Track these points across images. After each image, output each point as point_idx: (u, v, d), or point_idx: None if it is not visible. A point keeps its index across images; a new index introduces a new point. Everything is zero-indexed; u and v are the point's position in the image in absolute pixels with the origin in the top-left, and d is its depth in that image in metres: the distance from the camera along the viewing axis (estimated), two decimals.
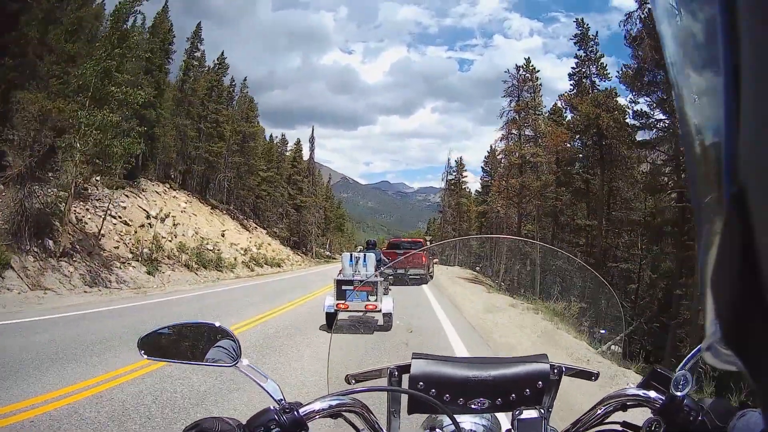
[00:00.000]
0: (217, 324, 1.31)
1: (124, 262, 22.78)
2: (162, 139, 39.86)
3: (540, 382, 1.33)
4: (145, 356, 1.33)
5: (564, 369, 1.41)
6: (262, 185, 58.65)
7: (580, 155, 39.86)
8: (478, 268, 50.81)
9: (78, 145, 19.94)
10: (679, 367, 1.22)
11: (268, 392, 1.18)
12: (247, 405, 5.36)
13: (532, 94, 43.86)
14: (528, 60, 45.06)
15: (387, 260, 10.58)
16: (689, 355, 1.25)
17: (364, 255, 9.93)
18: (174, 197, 38.36)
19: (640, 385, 1.31)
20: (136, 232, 25.92)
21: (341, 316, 8.55)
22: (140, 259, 24.02)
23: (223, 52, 52.94)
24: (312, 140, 76.96)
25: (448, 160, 78.95)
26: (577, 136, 39.56)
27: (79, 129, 20.04)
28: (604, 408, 1.30)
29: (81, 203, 24.21)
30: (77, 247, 20.57)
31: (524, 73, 44.37)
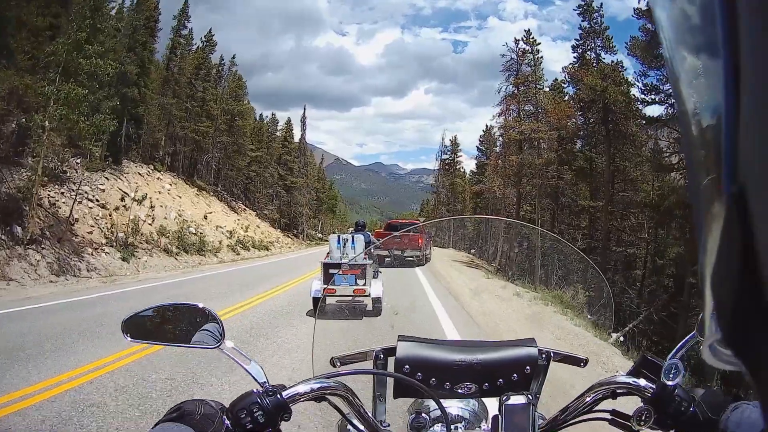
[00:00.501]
0: (201, 305, 1.29)
1: (96, 248, 21.35)
2: (146, 119, 38.52)
3: (528, 367, 1.31)
4: (129, 338, 1.30)
5: (552, 354, 1.39)
6: (252, 166, 56.96)
7: (584, 132, 38.19)
8: (473, 251, 49.61)
9: (46, 123, 18.48)
10: (670, 355, 1.22)
11: (251, 374, 1.17)
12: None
13: (533, 68, 41.75)
14: (528, 32, 42.90)
15: (379, 242, 10.04)
16: (680, 343, 1.26)
17: (353, 237, 9.47)
18: (158, 179, 36.88)
19: (630, 373, 1.29)
20: (110, 215, 24.35)
21: (328, 300, 7.99)
22: (115, 244, 22.54)
23: (210, 30, 50.90)
24: (303, 120, 74.92)
25: (443, 139, 77.57)
26: (580, 112, 37.86)
27: (47, 106, 18.58)
28: (593, 395, 1.27)
29: (56, 187, 22.75)
30: (47, 233, 19.16)
31: (524, 45, 42.30)
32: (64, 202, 22.44)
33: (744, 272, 0.32)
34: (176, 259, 26.56)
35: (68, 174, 24.33)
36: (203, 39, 49.13)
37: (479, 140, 65.74)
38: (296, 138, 73.21)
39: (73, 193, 23.46)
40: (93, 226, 22.81)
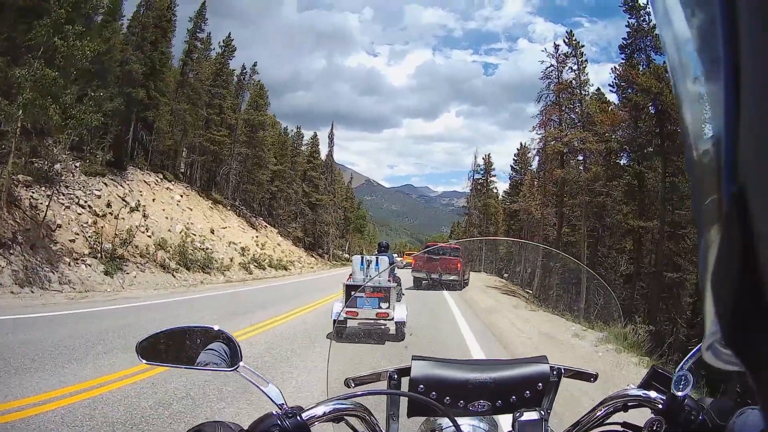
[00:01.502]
0: (216, 327, 1.31)
1: (76, 259, 18.44)
2: (157, 125, 35.93)
3: (540, 384, 1.34)
4: (144, 361, 1.31)
5: (563, 370, 1.42)
6: (275, 181, 54.26)
7: (636, 142, 33.85)
8: (506, 275, 46.18)
9: (19, 112, 15.83)
10: (679, 366, 1.23)
11: (269, 397, 1.18)
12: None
13: (577, 72, 37.86)
14: (570, 33, 39.11)
15: (401, 263, 10.27)
16: (689, 355, 1.26)
17: (377, 258, 9.29)
18: (167, 189, 34.07)
19: (641, 386, 1.31)
20: (95, 222, 21.41)
21: (350, 324, 8.15)
22: (100, 255, 19.61)
23: (230, 34, 48.42)
24: (331, 136, 72.27)
25: (475, 158, 73.22)
26: (629, 121, 33.77)
27: (21, 91, 15.93)
28: (604, 409, 1.30)
29: (44, 189, 19.99)
30: (19, 237, 16.40)
31: (568, 47, 38.42)
32: (49, 206, 19.85)
33: (744, 272, 0.32)
34: (174, 275, 23.44)
35: (64, 177, 21.76)
36: (221, 44, 46.42)
37: (513, 159, 62.51)
38: (323, 155, 70.39)
39: (62, 196, 20.95)
40: (77, 234, 19.93)
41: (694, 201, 0.39)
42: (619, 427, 1.32)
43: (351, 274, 9.73)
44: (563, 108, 37.59)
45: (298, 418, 1.12)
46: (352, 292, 8.70)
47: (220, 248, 32.08)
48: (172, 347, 1.35)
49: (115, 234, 21.40)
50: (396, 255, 12.15)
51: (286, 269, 40.11)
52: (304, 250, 57.41)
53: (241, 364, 1.23)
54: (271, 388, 1.18)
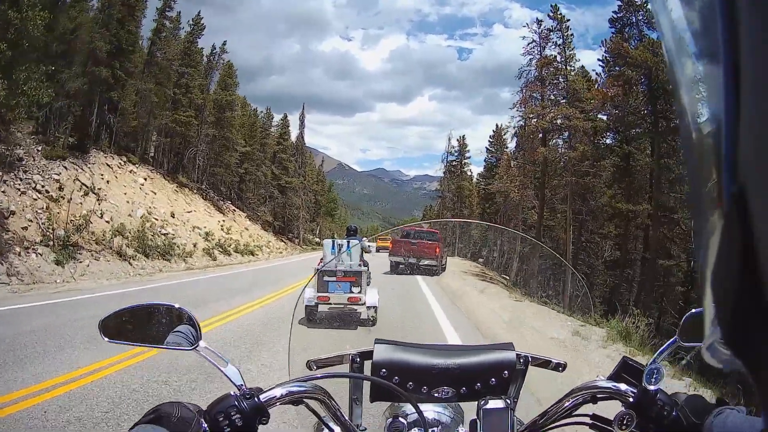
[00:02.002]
0: (176, 305, 1.29)
1: (27, 247, 17.20)
2: (121, 106, 34.35)
3: (506, 372, 1.33)
4: (107, 339, 1.30)
5: (530, 358, 1.40)
6: (244, 163, 52.74)
7: (626, 120, 32.60)
8: (481, 260, 45.47)
9: None
10: (651, 359, 1.24)
11: (228, 377, 1.18)
12: None
13: (563, 46, 36.36)
14: (555, 8, 37.60)
15: (369, 247, 9.13)
16: (662, 348, 1.30)
17: (348, 242, 9.11)
18: (131, 172, 32.70)
19: (611, 377, 1.31)
20: (49, 207, 20.05)
21: (321, 308, 7.66)
22: (52, 243, 18.32)
23: (199, 12, 46.26)
24: (302, 118, 70.48)
25: (449, 140, 71.71)
26: (619, 98, 32.14)
27: None
28: (572, 400, 1.29)
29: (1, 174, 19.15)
30: None
31: (553, 21, 36.86)
32: (3, 191, 18.62)
33: (744, 272, 0.32)
34: (131, 264, 22.15)
35: (25, 161, 21.12)
36: (191, 22, 44.64)
37: (489, 141, 61.89)
38: (294, 137, 68.69)
39: (20, 182, 19.70)
40: (31, 221, 18.68)
41: (694, 201, 0.39)
42: (588, 419, 1.30)
43: (322, 258, 9.80)
44: (546, 84, 36.30)
45: (256, 399, 1.11)
46: (324, 277, 8.57)
47: (183, 233, 30.92)
48: (135, 325, 1.33)
49: (70, 220, 20.09)
50: (365, 239, 11.72)
51: (253, 254, 38.90)
52: (274, 234, 56.14)
53: (201, 343, 1.22)
54: (230, 369, 1.17)
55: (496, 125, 62.73)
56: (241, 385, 1.15)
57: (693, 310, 1.38)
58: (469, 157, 68.43)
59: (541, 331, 9.03)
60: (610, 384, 1.27)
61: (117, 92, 32.74)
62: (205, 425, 1.07)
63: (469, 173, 68.29)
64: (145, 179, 33.79)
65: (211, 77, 48.20)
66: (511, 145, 45.29)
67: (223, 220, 40.81)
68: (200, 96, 43.02)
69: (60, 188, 22.21)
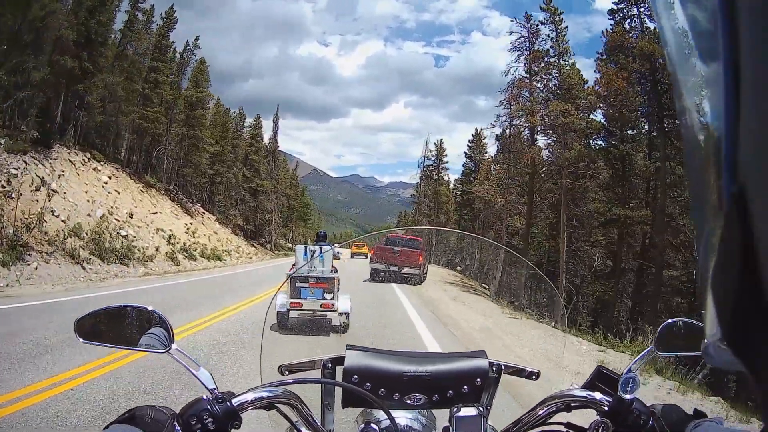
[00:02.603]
0: (149, 308, 1.30)
1: None
2: (88, 100, 32.65)
3: (478, 379, 1.32)
4: (81, 340, 1.29)
5: (503, 367, 1.40)
6: (215, 165, 50.81)
7: (626, 117, 30.96)
8: (459, 269, 44.13)
9: None
10: (626, 368, 1.24)
11: (200, 381, 1.18)
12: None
13: (555, 39, 34.51)
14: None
15: (339, 254, 9.73)
16: (637, 357, 1.31)
17: (320, 248, 9.00)
18: (95, 169, 30.96)
19: (585, 386, 1.33)
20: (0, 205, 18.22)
21: (293, 314, 7.72)
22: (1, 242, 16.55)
23: (173, 6, 44.54)
24: (276, 120, 68.50)
25: (426, 144, 70.15)
26: (622, 91, 30.14)
27: None
28: (546, 408, 1.30)
29: None
30: None
31: (545, 14, 34.98)
32: None
33: (744, 272, 0.32)
34: (83, 267, 20.29)
35: None
36: (163, 15, 42.59)
37: (468, 145, 60.62)
38: (267, 139, 66.72)
39: None
40: None
41: (694, 201, 0.39)
42: (562, 428, 1.31)
43: (294, 264, 9.69)
44: (537, 80, 34.68)
45: (229, 403, 1.12)
46: (297, 283, 8.36)
47: (145, 236, 29.14)
48: (109, 327, 1.34)
49: (22, 218, 18.25)
50: (337, 245, 11.68)
51: (220, 260, 37.22)
52: (245, 239, 54.36)
53: (174, 346, 1.23)
54: (202, 372, 1.18)
55: (476, 129, 61.64)
56: (214, 389, 1.15)
57: (669, 320, 1.38)
58: (446, 162, 67.05)
59: (554, 358, 7.79)
60: (584, 392, 1.27)
61: (84, 85, 31.14)
62: (178, 428, 1.07)
63: (446, 179, 66.92)
64: (110, 178, 32.09)
65: (183, 74, 46.23)
66: (492, 149, 43.93)
67: (191, 223, 38.97)
68: (170, 92, 41.05)
69: (11, 183, 20.36)
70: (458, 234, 50.52)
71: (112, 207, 28.43)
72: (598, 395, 1.26)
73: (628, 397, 1.20)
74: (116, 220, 27.35)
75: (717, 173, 0.34)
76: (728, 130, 0.32)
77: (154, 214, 33.40)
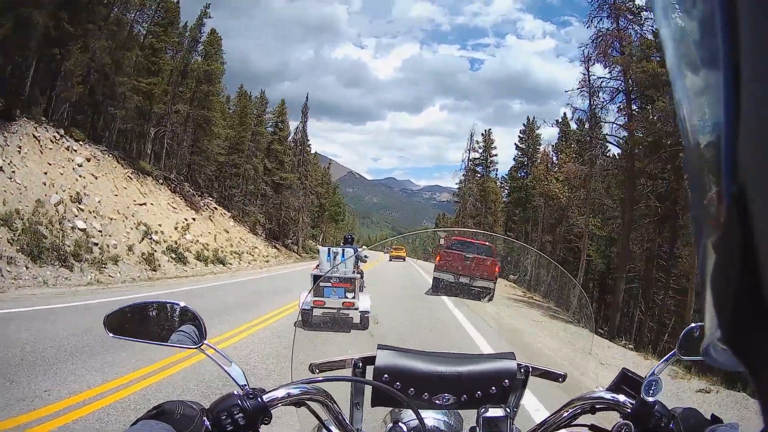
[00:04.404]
0: (182, 304, 1.30)
1: None
2: (66, 67, 26.88)
3: (506, 381, 1.33)
4: (111, 335, 1.30)
5: (531, 369, 1.41)
6: (232, 154, 44.48)
7: None
8: (512, 278, 37.13)
9: None
10: (650, 371, 1.25)
11: (231, 377, 1.18)
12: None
13: None
14: None
15: (364, 259, 8.52)
16: (662, 360, 1.33)
17: (343, 250, 9.11)
18: (68, 149, 24.90)
19: (610, 389, 1.32)
20: None
21: (316, 312, 7.78)
22: None
23: (208, 5, 38.72)
24: (305, 111, 62.53)
25: (471, 135, 60.98)
26: None
27: None
28: (571, 410, 1.30)
29: None
30: None
31: None
32: None
33: (744, 272, 0.32)
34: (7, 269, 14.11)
35: None
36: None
37: (519, 136, 53.33)
38: (293, 128, 60.06)
39: None
40: None
41: (693, 200, 0.39)
42: (586, 430, 1.32)
43: (318, 265, 9.83)
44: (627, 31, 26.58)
45: (259, 399, 1.12)
46: (320, 283, 8.38)
47: (118, 231, 22.69)
48: (139, 322, 1.34)
49: None
50: (364, 248, 11.64)
51: (223, 264, 30.61)
52: (265, 239, 47.87)
53: (206, 342, 1.23)
54: (234, 368, 1.18)
55: (528, 118, 54.49)
56: (245, 385, 1.15)
57: (692, 325, 1.37)
58: (495, 155, 59.12)
59: None
60: (608, 395, 1.28)
61: (62, 49, 25.67)
62: (208, 423, 1.07)
63: (495, 174, 59.04)
64: (88, 160, 26.01)
65: (194, 50, 39.47)
66: (546, 139, 36.74)
67: (192, 219, 32.34)
68: (170, 62, 34.53)
69: None
70: (506, 240, 43.69)
71: (78, 193, 22.18)
72: (621, 397, 1.25)
73: (650, 399, 1.20)
74: (79, 209, 21.12)
75: (717, 173, 0.34)
76: (728, 131, 0.32)
77: (141, 205, 26.99)
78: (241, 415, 1.09)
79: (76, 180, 23.26)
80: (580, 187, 28.46)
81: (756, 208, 0.31)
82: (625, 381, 1.29)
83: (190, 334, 1.25)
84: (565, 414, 1.29)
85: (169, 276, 22.24)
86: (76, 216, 20.47)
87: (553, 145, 42.52)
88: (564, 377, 1.50)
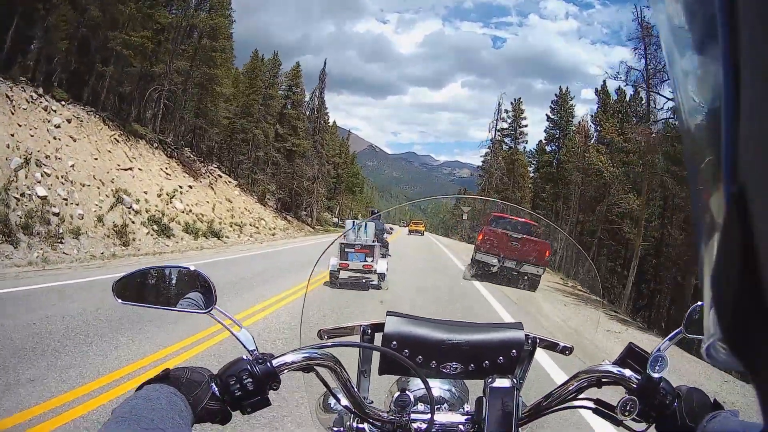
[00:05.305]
0: (192, 268, 1.28)
1: None
2: (50, 21, 24.52)
3: (514, 351, 1.33)
4: (120, 301, 1.26)
5: (539, 340, 1.41)
6: (240, 119, 41.25)
7: None
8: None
9: None
10: (656, 347, 1.23)
11: (240, 341, 1.17)
12: None
13: None
14: None
15: (389, 230, 10.15)
16: (668, 337, 1.30)
17: (366, 223, 10.35)
18: (45, 109, 21.92)
19: (616, 363, 1.29)
20: None
21: (342, 275, 9.14)
22: None
23: None
24: (322, 77, 58.90)
25: (499, 104, 57.01)
26: None
27: None
28: (577, 383, 1.27)
29: None
30: None
31: None
32: None
33: (744, 272, 0.32)
34: None
35: None
36: None
37: (551, 107, 49.50)
38: (309, 96, 56.36)
39: None
40: None
41: (694, 200, 0.39)
42: (591, 404, 1.28)
43: (344, 235, 11.04)
44: None
45: (269, 364, 1.10)
46: (345, 249, 9.74)
47: (90, 198, 19.76)
48: (148, 287, 1.33)
49: None
50: (388, 225, 10.88)
51: (219, 237, 27.53)
52: (275, 210, 44.76)
53: (215, 307, 1.20)
54: (243, 333, 1.16)
55: (560, 88, 50.70)
56: (254, 350, 1.13)
57: (698, 302, 1.29)
58: (525, 125, 55.11)
59: None
60: (614, 368, 1.25)
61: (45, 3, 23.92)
62: (216, 388, 1.06)
63: (524, 146, 55.01)
64: (69, 121, 23.12)
65: (202, 8, 35.68)
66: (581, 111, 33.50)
67: (189, 186, 29.23)
68: (168, 16, 31.16)
69: None
70: (534, 217, 40.36)
71: (49, 156, 19.33)
72: (627, 372, 1.23)
73: (656, 375, 1.18)
74: (45, 174, 18.16)
75: (717, 173, 0.34)
76: (728, 130, 0.32)
77: (126, 170, 23.96)
78: (250, 380, 1.06)
79: (49, 142, 20.29)
80: (643, 156, 25.04)
81: (756, 208, 0.31)
82: (632, 356, 1.25)
83: (201, 299, 1.21)
84: (572, 387, 1.25)
85: (142, 252, 19.04)
86: (39, 182, 17.44)
87: (592, 116, 39.11)
88: (571, 350, 1.48)
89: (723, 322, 0.34)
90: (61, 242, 15.96)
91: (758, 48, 0.30)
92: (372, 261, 9.50)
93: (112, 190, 21.44)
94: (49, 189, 17.71)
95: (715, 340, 0.35)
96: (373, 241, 9.70)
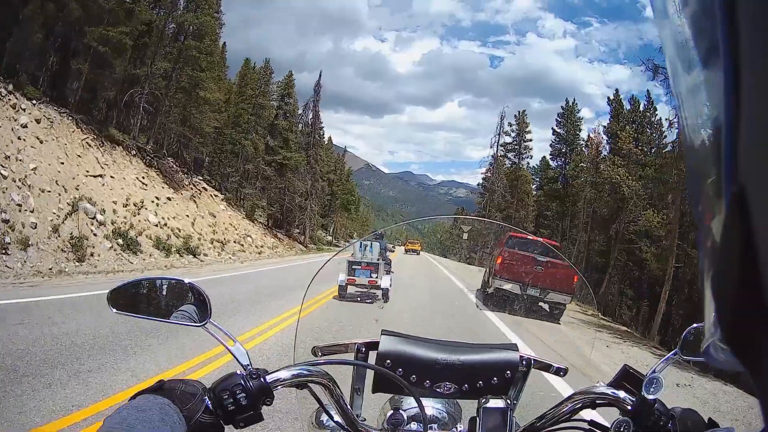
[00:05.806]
0: (186, 281, 1.27)
1: None
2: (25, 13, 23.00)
3: (508, 372, 1.33)
4: (114, 311, 1.25)
5: (533, 361, 1.41)
6: (227, 130, 39.09)
7: None
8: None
9: None
10: (651, 369, 1.24)
11: (234, 356, 1.17)
12: None
13: None
14: None
15: (391, 249, 11.36)
16: (663, 359, 1.30)
17: (371, 243, 9.94)
18: (14, 107, 20.06)
19: (611, 384, 1.31)
20: None
21: (350, 290, 9.55)
22: None
23: None
24: (318, 89, 56.97)
25: (501, 118, 55.26)
26: None
27: None
28: (571, 404, 1.29)
29: None
30: None
31: None
32: None
33: (744, 272, 0.32)
34: None
35: None
36: None
37: (557, 120, 47.63)
38: (304, 111, 54.25)
39: None
40: None
41: (694, 200, 0.39)
42: (585, 425, 1.31)
43: (352, 254, 10.18)
44: None
45: (262, 379, 1.10)
46: (353, 266, 9.81)
47: (48, 206, 17.62)
48: (143, 298, 1.31)
49: None
50: (390, 244, 11.44)
51: (195, 255, 25.32)
52: (265, 226, 42.53)
53: (210, 320, 1.19)
54: (237, 347, 1.16)
55: (566, 100, 48.76)
56: (248, 365, 1.13)
57: (694, 324, 1.34)
58: (529, 140, 53.22)
59: None
60: (609, 390, 1.27)
61: None
62: (209, 401, 1.05)
63: (527, 163, 53.13)
64: (38, 121, 21.08)
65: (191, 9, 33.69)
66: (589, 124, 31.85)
67: (168, 198, 26.96)
68: (150, 12, 29.00)
69: None
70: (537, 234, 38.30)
71: (9, 158, 17.50)
72: (622, 394, 1.25)
73: (651, 397, 1.19)
74: (1, 175, 16.24)
75: (717, 173, 0.34)
76: (728, 131, 0.32)
77: (95, 177, 21.72)
78: (243, 394, 1.05)
79: (12, 142, 18.42)
80: (676, 165, 23.07)
81: (756, 208, 0.31)
82: (627, 377, 1.28)
83: (195, 312, 1.20)
84: (566, 408, 1.28)
85: (101, 270, 16.62)
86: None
87: (604, 126, 37.10)
88: (565, 371, 1.48)
89: (723, 322, 0.34)
90: (6, 253, 13.63)
91: (758, 49, 0.30)
92: (377, 277, 9.35)
93: (74, 198, 19.14)
94: (3, 192, 15.63)
95: (716, 339, 0.35)
96: (378, 259, 9.57)
